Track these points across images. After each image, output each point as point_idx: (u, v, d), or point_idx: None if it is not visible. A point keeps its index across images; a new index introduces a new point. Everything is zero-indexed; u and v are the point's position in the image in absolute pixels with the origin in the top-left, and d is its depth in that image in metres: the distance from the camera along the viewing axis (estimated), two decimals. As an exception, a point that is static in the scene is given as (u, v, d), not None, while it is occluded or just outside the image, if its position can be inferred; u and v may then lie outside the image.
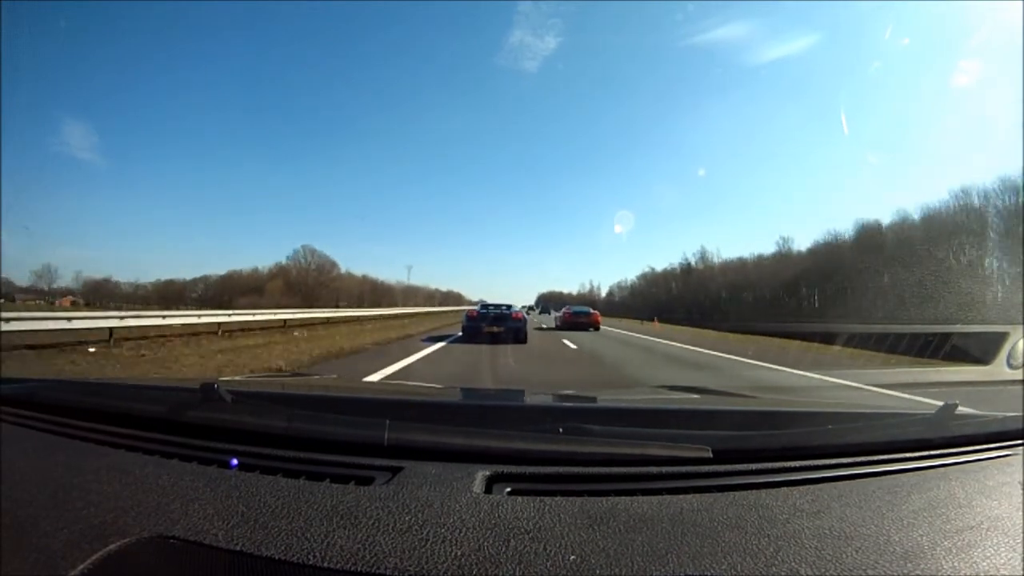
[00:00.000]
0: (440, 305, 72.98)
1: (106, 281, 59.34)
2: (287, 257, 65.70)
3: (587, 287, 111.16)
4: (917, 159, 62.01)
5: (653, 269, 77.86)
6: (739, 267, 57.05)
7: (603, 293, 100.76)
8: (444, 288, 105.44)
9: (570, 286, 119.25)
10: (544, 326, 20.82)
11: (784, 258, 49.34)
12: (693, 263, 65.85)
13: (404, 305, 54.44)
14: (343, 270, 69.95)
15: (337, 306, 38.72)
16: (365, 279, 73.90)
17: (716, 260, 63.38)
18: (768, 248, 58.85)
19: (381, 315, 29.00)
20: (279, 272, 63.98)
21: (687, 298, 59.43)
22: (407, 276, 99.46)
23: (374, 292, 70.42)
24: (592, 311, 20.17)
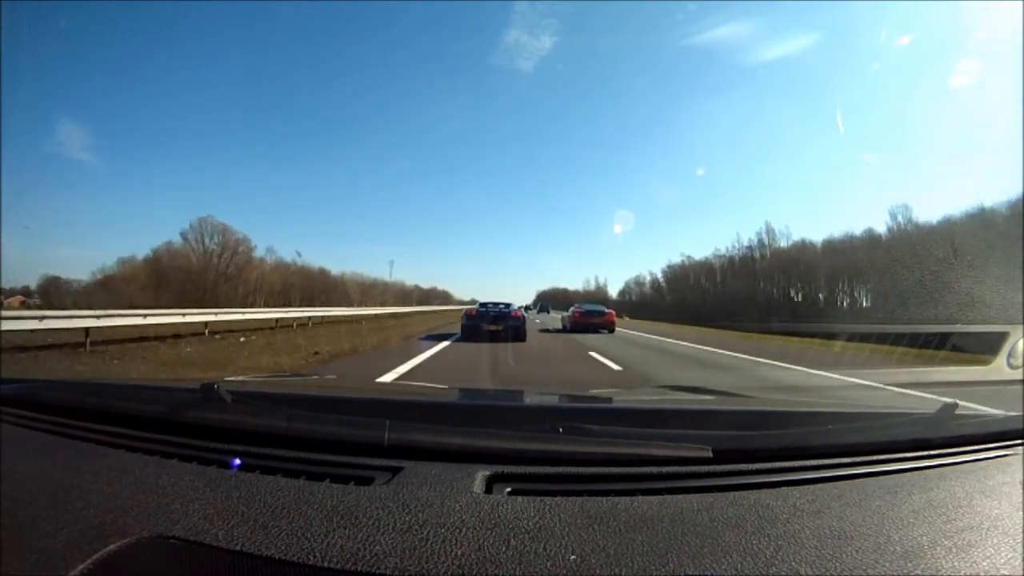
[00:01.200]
0: (418, 304, 57.97)
1: (56, 279, 47.21)
2: (180, 233, 43.50)
3: (592, 284, 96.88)
4: (918, 159, 61.81)
5: (689, 258, 63.11)
6: (842, 249, 40.36)
7: (611, 290, 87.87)
8: (427, 285, 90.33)
9: (574, 283, 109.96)
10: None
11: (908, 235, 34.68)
12: (758, 244, 50.59)
13: (362, 304, 40.02)
14: (273, 257, 49.79)
15: (250, 305, 29.24)
16: (298, 269, 53.33)
17: (785, 242, 48.24)
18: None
19: (300, 318, 18.44)
20: (165, 254, 42.15)
21: (757, 293, 45.69)
22: (389, 273, 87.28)
23: (309, 287, 51.00)
24: (606, 310, 17.53)
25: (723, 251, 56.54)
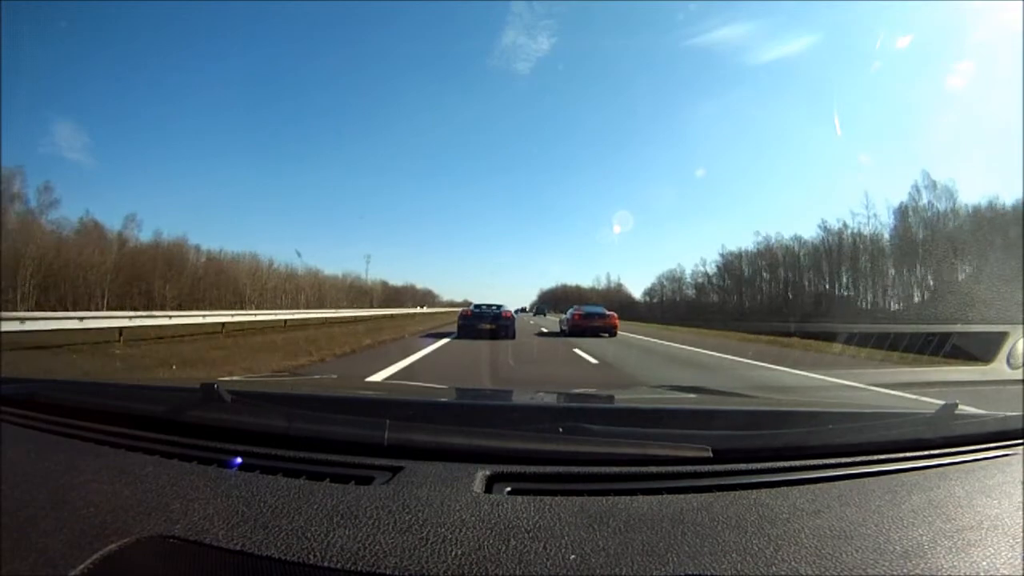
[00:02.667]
0: (382, 307, 41.23)
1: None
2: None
3: (603, 281, 79.90)
4: (920, 159, 61.44)
5: (767, 239, 43.55)
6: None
7: (630, 289, 72.05)
8: (401, 282, 75.12)
9: (585, 280, 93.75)
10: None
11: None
12: (918, 205, 32.41)
13: (263, 306, 27.54)
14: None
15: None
16: (130, 246, 32.61)
17: (946, 203, 31.58)
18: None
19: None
20: None
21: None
22: (365, 270, 76.06)
23: (137, 272, 31.45)
24: (607, 312, 16.24)
25: (838, 224, 37.84)
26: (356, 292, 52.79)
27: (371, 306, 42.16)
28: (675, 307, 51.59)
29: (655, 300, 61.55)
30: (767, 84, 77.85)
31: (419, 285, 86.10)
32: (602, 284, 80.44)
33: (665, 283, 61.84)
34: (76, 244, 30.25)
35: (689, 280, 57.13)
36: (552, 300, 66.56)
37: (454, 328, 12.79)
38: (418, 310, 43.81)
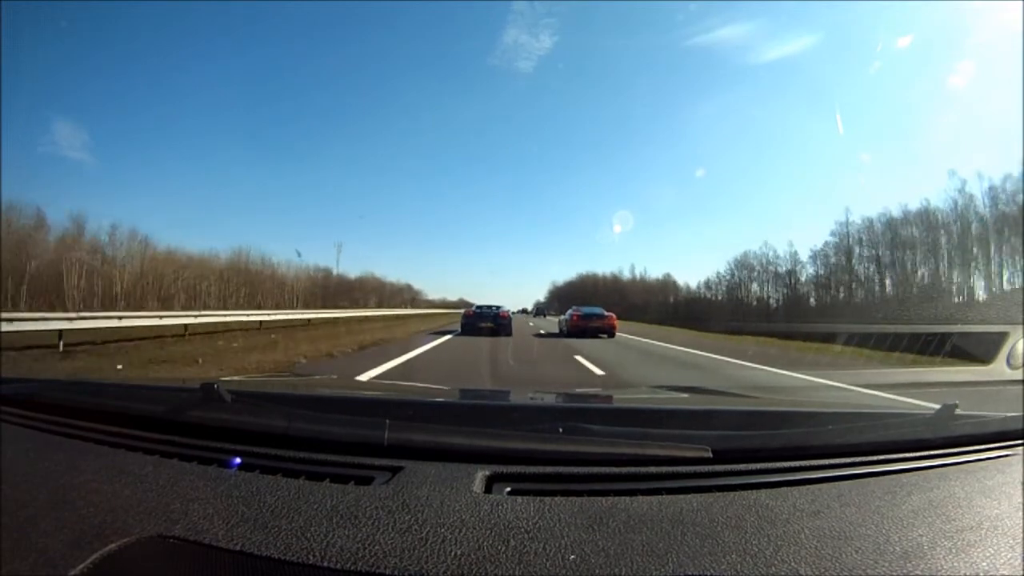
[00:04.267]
0: (324, 309, 26.34)
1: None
2: None
3: (627, 272, 64.00)
4: (920, 159, 61.18)
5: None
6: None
7: (685, 280, 55.69)
8: (380, 276, 60.65)
9: (610, 268, 75.49)
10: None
11: None
12: None
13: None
14: None
15: None
16: None
17: None
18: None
19: None
20: None
21: None
22: (336, 260, 62.65)
23: None
24: (606, 313, 16.01)
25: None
26: (256, 283, 30.88)
27: (294, 306, 27.05)
28: (754, 308, 38.58)
29: (711, 295, 45.95)
30: (768, 83, 77.56)
31: (391, 278, 68.74)
32: (624, 273, 65.12)
33: (734, 271, 44.55)
34: None
35: (784, 267, 40.42)
36: (577, 298, 47.25)
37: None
38: (368, 313, 23.51)
